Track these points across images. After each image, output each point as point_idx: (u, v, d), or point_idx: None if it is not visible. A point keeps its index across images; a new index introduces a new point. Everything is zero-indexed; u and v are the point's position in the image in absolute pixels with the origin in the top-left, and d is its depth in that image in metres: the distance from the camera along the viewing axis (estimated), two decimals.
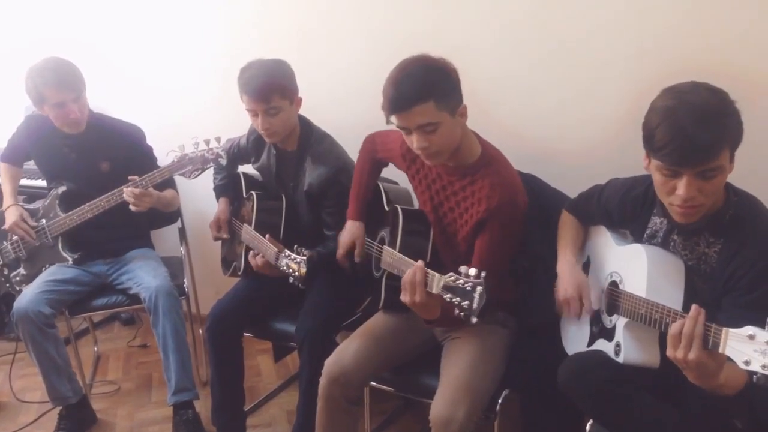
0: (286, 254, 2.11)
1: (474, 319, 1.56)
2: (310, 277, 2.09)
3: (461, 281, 1.59)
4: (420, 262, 1.74)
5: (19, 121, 2.77)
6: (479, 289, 1.55)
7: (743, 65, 1.99)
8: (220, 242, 2.71)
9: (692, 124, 1.42)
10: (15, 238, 2.66)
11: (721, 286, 1.54)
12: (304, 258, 2.07)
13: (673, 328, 1.38)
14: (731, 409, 1.52)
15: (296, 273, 2.07)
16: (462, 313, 1.58)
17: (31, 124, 2.72)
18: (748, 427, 1.55)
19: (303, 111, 2.42)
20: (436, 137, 1.82)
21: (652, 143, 1.49)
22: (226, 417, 2.57)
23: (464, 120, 1.89)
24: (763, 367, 1.21)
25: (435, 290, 1.67)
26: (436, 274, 1.67)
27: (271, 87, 2.23)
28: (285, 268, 2.11)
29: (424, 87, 1.77)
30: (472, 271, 1.58)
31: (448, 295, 1.62)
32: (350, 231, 2.27)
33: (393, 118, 1.83)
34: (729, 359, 1.29)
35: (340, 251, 2.26)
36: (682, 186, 1.47)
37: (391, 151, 2.20)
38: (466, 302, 1.57)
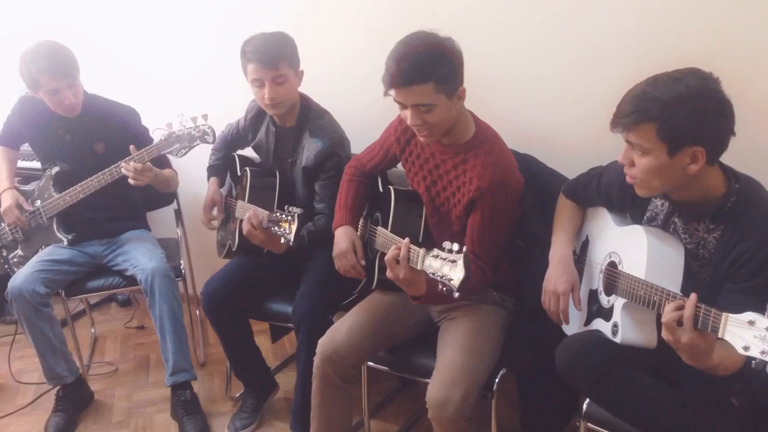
0: (276, 214, 2.10)
1: (456, 294, 1.56)
2: (304, 236, 2.07)
3: (443, 256, 1.60)
4: (406, 240, 1.75)
5: (13, 103, 2.75)
6: (459, 262, 1.55)
7: (741, 45, 1.97)
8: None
9: (630, 95, 1.51)
10: None
11: (721, 272, 1.54)
12: (295, 214, 2.04)
13: (667, 315, 1.39)
14: (729, 388, 1.53)
15: (287, 231, 2.05)
16: (444, 288, 1.59)
17: (25, 106, 2.70)
18: (746, 405, 1.56)
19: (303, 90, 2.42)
20: (430, 117, 1.83)
21: None
22: (252, 378, 2.68)
23: (461, 102, 1.89)
24: (762, 353, 1.21)
25: (419, 266, 1.68)
26: (420, 250, 1.68)
27: (279, 53, 2.24)
28: (276, 228, 2.09)
29: (426, 69, 1.76)
30: (455, 246, 1.59)
31: (431, 270, 1.63)
32: (345, 237, 2.18)
33: (391, 92, 1.83)
34: (726, 342, 1.29)
35: (345, 263, 2.15)
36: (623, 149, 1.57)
37: (381, 149, 2.20)
38: (448, 277, 1.57)
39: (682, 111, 1.44)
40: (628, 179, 1.60)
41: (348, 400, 2.19)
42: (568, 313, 1.81)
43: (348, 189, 2.26)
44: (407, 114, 1.84)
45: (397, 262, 1.75)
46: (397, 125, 2.12)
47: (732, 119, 1.47)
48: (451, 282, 1.56)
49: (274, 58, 2.23)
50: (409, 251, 1.72)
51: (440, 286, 1.60)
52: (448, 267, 1.58)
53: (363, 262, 2.15)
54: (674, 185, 1.55)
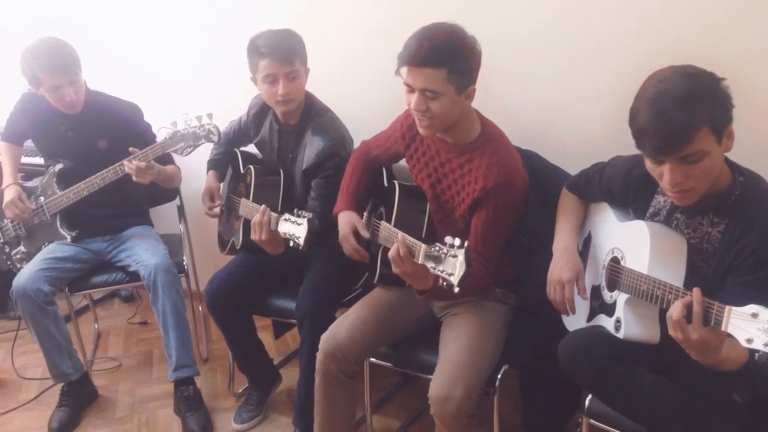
0: (286, 217, 2.09)
1: (456, 289, 1.55)
2: (311, 240, 2.05)
3: (444, 251, 1.60)
4: (399, 235, 1.74)
5: (16, 99, 2.75)
6: (460, 257, 1.55)
7: (742, 43, 1.97)
8: (217, 220, 2.70)
9: (660, 114, 1.43)
10: None
11: (724, 266, 1.54)
12: (306, 218, 2.03)
13: (675, 314, 1.39)
14: (732, 384, 1.53)
15: (297, 235, 2.04)
16: (444, 283, 1.59)
17: (28, 102, 2.70)
18: (748, 401, 1.56)
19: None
20: (434, 105, 1.82)
21: (633, 133, 1.51)
22: (256, 372, 2.71)
23: (469, 102, 1.88)
24: (766, 345, 1.21)
25: (420, 260, 1.67)
26: (421, 245, 1.67)
27: (293, 49, 2.26)
28: (285, 231, 2.09)
29: (444, 54, 1.76)
30: (456, 241, 1.58)
31: (431, 265, 1.62)
32: (345, 221, 2.17)
33: (403, 71, 1.82)
34: (730, 336, 1.30)
35: (347, 247, 2.16)
36: (666, 172, 1.49)
37: (388, 140, 2.20)
38: (448, 271, 1.57)
39: (716, 98, 1.44)
40: (674, 196, 1.54)
41: (351, 396, 2.19)
42: (573, 301, 1.80)
43: (352, 174, 2.26)
44: (413, 98, 1.83)
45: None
46: (404, 120, 2.11)
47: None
48: (452, 277, 1.56)
49: (288, 53, 2.23)
50: (409, 247, 1.71)
51: (441, 281, 1.60)
52: (449, 262, 1.58)
53: (366, 236, 2.13)
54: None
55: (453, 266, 1.56)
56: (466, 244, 1.56)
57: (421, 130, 1.93)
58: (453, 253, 1.57)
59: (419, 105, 1.82)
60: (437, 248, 1.62)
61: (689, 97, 1.42)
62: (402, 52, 1.81)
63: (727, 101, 1.46)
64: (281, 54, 2.22)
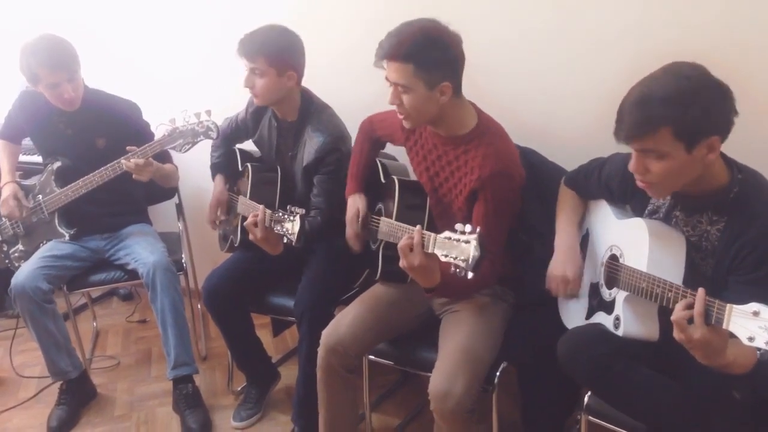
0: (279, 214, 2.10)
1: (470, 274, 1.56)
2: (303, 237, 2.08)
3: (456, 237, 1.60)
4: (418, 226, 1.74)
5: (14, 97, 2.74)
6: (473, 242, 1.55)
7: (743, 39, 1.97)
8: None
9: (633, 104, 1.47)
10: None
11: (725, 264, 1.54)
12: (298, 214, 2.05)
13: (676, 313, 1.39)
14: (731, 381, 1.53)
15: (290, 232, 2.06)
16: (457, 269, 1.58)
17: (26, 100, 2.70)
18: (747, 398, 1.56)
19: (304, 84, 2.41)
20: (405, 99, 1.84)
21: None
22: (254, 370, 2.72)
23: (444, 98, 1.85)
24: (767, 343, 1.21)
25: (431, 249, 1.67)
26: (432, 234, 1.67)
27: (259, 48, 2.23)
28: (279, 228, 2.10)
29: (410, 49, 1.78)
30: (468, 228, 1.58)
31: (443, 253, 1.62)
32: (354, 203, 2.25)
33: (382, 64, 1.85)
34: (732, 335, 1.30)
35: (349, 231, 2.23)
36: (632, 158, 1.54)
37: (390, 126, 2.19)
38: (462, 257, 1.57)
39: (694, 106, 1.43)
40: (640, 185, 1.58)
41: (352, 389, 2.20)
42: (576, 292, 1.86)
43: (359, 156, 2.29)
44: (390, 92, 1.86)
45: (411, 249, 1.73)
46: None
47: (733, 99, 1.47)
48: (464, 263, 1.55)
49: (251, 50, 2.23)
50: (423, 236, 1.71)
51: (453, 268, 1.59)
52: (461, 247, 1.57)
53: (358, 229, 2.21)
54: (691, 179, 1.54)
55: (466, 252, 1.56)
56: (478, 229, 1.56)
57: (404, 124, 1.95)
58: (465, 238, 1.57)
59: (393, 98, 1.87)
60: (448, 235, 1.62)
61: (665, 96, 1.44)
62: (378, 46, 1.83)
63: (716, 115, 1.45)
64: (243, 47, 2.24)
